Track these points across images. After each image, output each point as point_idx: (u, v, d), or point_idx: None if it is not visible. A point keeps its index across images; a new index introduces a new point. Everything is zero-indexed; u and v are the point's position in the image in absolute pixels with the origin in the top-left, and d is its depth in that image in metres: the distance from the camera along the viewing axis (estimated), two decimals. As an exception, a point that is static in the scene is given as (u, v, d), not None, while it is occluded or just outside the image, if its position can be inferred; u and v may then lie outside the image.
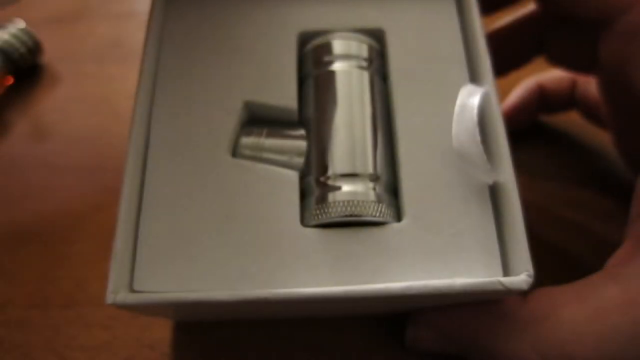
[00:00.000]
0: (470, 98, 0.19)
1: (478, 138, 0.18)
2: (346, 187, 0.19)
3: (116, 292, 0.17)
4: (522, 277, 0.17)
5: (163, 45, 0.22)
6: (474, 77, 0.21)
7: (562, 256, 0.26)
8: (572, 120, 0.30)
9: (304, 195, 0.20)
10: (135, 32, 0.35)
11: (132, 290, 0.18)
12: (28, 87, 0.34)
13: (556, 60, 0.26)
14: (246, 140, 0.21)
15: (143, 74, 0.21)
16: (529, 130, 0.30)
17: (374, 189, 0.19)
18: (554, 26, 0.26)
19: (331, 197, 0.19)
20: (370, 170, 0.19)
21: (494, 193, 0.19)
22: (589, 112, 0.28)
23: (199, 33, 0.23)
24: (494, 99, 0.19)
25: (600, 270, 0.20)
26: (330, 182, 0.19)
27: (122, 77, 0.34)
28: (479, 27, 0.21)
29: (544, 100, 0.30)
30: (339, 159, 0.20)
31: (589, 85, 0.28)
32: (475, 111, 0.18)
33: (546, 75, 0.30)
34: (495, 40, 0.23)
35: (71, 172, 0.30)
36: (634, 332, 0.18)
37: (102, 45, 0.32)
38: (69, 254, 0.27)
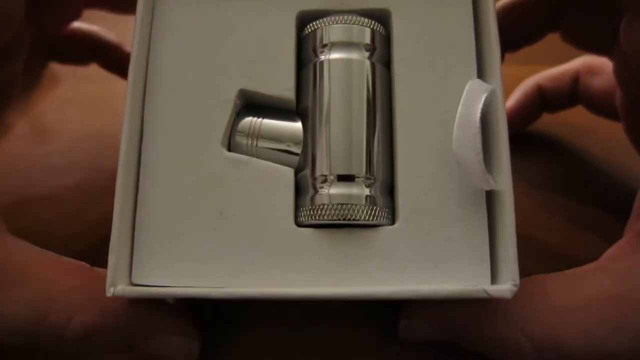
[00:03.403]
0: (474, 102, 0.18)
1: (479, 146, 0.18)
2: (340, 190, 0.19)
3: (115, 285, 0.18)
4: (507, 285, 0.17)
5: (154, 28, 0.21)
6: (482, 69, 0.20)
7: (559, 260, 0.26)
8: (571, 126, 0.30)
9: (299, 189, 0.20)
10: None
11: (131, 284, 0.19)
12: (27, 87, 0.34)
13: (569, 38, 0.26)
14: (242, 126, 0.21)
15: (134, 57, 0.20)
16: (527, 135, 0.30)
17: (369, 191, 0.19)
18: (571, 2, 0.25)
19: (326, 199, 0.19)
20: (366, 171, 0.19)
21: (489, 200, 0.19)
22: (594, 105, 0.28)
23: (191, 14, 0.21)
24: (499, 98, 0.19)
25: (595, 262, 0.21)
26: (325, 182, 0.19)
27: (121, 78, 0.34)
28: (492, 14, 0.20)
29: (544, 101, 0.29)
30: (335, 159, 0.19)
31: (593, 79, 0.28)
32: (478, 116, 0.18)
33: (544, 74, 0.30)
34: (509, 12, 0.22)
35: (71, 173, 0.30)
36: (620, 323, 0.19)
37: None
38: (69, 254, 0.27)
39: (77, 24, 0.31)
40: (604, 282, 0.19)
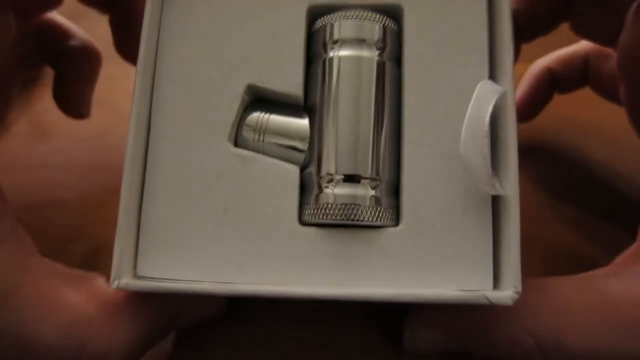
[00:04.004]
0: (484, 104, 0.18)
1: (486, 151, 0.17)
2: (345, 190, 0.19)
3: (119, 278, 0.18)
4: (508, 292, 0.17)
5: (163, 22, 0.21)
6: (494, 70, 0.20)
7: (557, 257, 0.26)
8: (574, 124, 0.30)
9: (303, 187, 0.20)
10: (136, 31, 0.35)
11: (136, 276, 0.19)
12: (28, 86, 0.34)
13: (578, 28, 0.26)
14: (250, 121, 0.21)
15: (143, 52, 0.20)
16: (530, 133, 0.30)
17: (374, 192, 0.19)
18: None
19: (331, 198, 0.19)
20: (372, 172, 0.19)
21: (495, 203, 0.19)
22: (603, 89, 0.28)
23: (200, 8, 0.21)
24: (510, 100, 0.18)
25: (606, 267, 0.20)
26: (330, 182, 0.19)
27: (122, 76, 0.33)
28: (508, 13, 0.19)
29: (555, 83, 0.29)
30: (341, 158, 0.19)
31: (603, 62, 0.28)
32: (487, 120, 0.18)
33: (554, 57, 0.29)
34: (524, 2, 0.22)
35: (72, 171, 0.30)
36: (628, 329, 0.18)
37: (102, 44, 0.32)
38: (70, 252, 0.27)
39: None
40: (614, 286, 0.19)
